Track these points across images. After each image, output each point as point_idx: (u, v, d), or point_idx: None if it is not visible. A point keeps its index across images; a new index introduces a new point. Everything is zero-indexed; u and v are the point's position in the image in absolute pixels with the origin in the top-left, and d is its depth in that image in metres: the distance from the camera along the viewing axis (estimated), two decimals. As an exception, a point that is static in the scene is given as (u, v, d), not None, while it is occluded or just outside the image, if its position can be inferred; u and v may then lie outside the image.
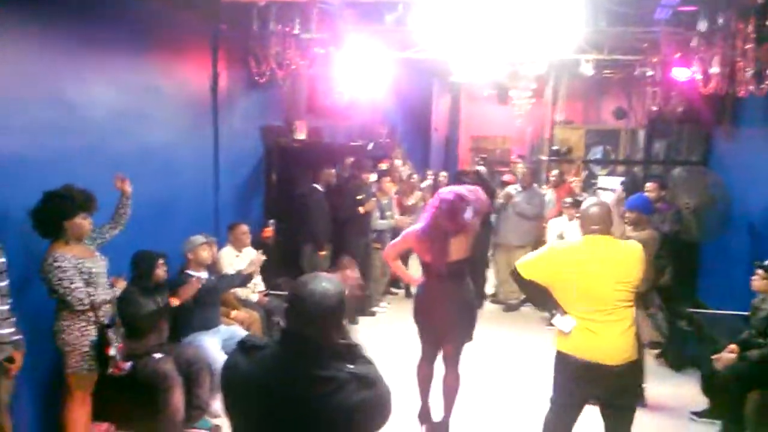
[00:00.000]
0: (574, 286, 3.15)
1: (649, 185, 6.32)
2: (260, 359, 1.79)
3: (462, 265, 4.03)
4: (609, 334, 3.12)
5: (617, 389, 3.20)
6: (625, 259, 3.17)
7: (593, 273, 3.12)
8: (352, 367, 1.77)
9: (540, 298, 3.42)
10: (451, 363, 4.19)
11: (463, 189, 4.02)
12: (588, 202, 3.45)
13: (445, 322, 4.04)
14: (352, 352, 1.81)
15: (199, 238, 4.67)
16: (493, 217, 7.42)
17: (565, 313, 3.21)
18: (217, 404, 4.33)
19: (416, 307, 4.19)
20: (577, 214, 6.34)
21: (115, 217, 3.87)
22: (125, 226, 3.93)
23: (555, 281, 3.22)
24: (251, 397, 1.79)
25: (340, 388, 1.72)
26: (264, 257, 4.96)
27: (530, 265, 3.31)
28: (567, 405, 3.31)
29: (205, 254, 4.64)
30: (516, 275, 3.35)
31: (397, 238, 4.28)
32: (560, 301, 3.23)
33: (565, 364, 3.24)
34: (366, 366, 1.81)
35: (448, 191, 3.98)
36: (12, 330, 3.16)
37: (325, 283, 1.82)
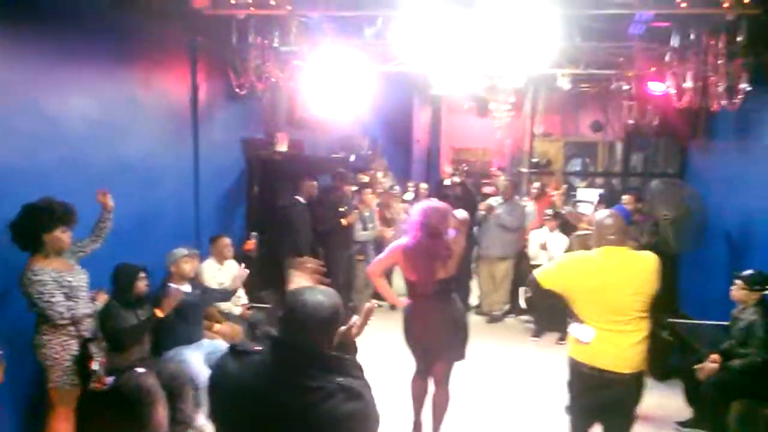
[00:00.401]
0: (593, 296, 3.18)
1: (625, 197, 6.43)
2: (250, 364, 1.81)
3: (449, 282, 3.96)
4: (625, 344, 3.18)
5: (624, 397, 3.27)
6: (642, 269, 3.22)
7: (611, 283, 3.16)
8: (340, 378, 1.78)
9: (548, 312, 3.52)
10: (441, 382, 4.15)
11: (440, 204, 3.97)
12: (602, 213, 3.46)
13: (435, 342, 3.98)
14: (342, 365, 1.83)
15: (182, 251, 4.64)
16: (475, 229, 7.48)
17: (583, 322, 3.24)
18: (201, 419, 4.29)
19: (405, 328, 4.09)
20: (560, 227, 6.43)
21: (96, 231, 3.85)
22: (106, 240, 3.91)
23: (574, 291, 3.24)
24: (238, 401, 1.80)
25: (328, 399, 1.74)
26: (247, 271, 4.94)
27: (549, 274, 3.33)
28: (583, 410, 3.39)
29: (187, 267, 4.62)
30: (534, 284, 3.33)
31: (382, 254, 4.16)
32: (578, 311, 3.25)
33: (579, 372, 3.29)
34: (354, 379, 1.83)
35: (427, 207, 3.90)
36: (-9, 345, 3.12)
37: (320, 295, 1.85)
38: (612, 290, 3.15)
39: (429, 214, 3.83)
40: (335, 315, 1.86)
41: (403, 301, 4.14)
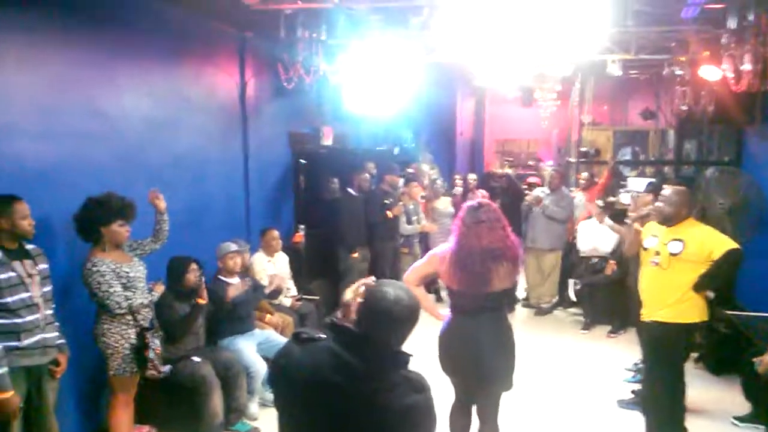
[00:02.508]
0: None
1: (666, 187, 6.25)
2: (315, 351, 1.82)
3: (502, 297, 3.34)
4: None
5: None
6: None
7: None
8: (403, 371, 1.80)
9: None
10: (488, 417, 3.46)
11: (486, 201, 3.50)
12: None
13: (479, 369, 3.28)
14: (407, 360, 1.84)
15: (229, 246, 4.71)
16: (522, 222, 7.40)
17: None
18: (255, 407, 4.39)
19: (441, 350, 3.37)
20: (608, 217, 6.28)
21: (155, 234, 3.97)
22: (166, 240, 4.01)
23: None
24: (301, 386, 1.81)
25: (393, 389, 1.75)
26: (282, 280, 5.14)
27: None
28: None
29: (231, 263, 4.68)
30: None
31: (420, 261, 3.54)
32: None
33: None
34: (415, 372, 1.84)
35: (479, 202, 3.39)
36: (56, 334, 3.25)
37: (401, 291, 1.86)
38: None
39: (483, 208, 3.28)
40: (415, 313, 1.87)
41: (444, 314, 3.45)
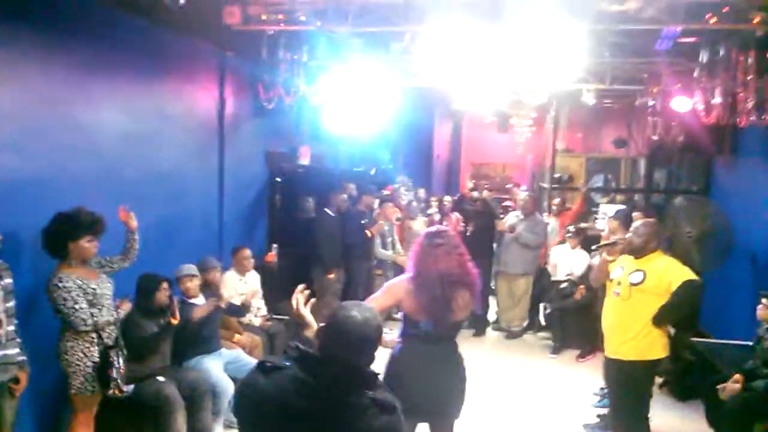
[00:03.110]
0: None
1: (636, 214, 6.37)
2: (281, 380, 1.78)
3: (459, 325, 3.26)
4: None
5: None
6: None
7: None
8: (371, 393, 1.78)
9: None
10: None
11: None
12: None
13: (433, 399, 3.10)
14: (375, 380, 1.83)
15: (185, 269, 4.56)
16: (494, 246, 7.45)
17: None
18: (219, 428, 4.31)
19: (391, 378, 3.07)
20: (581, 243, 6.37)
21: (124, 252, 3.90)
22: (135, 259, 3.94)
23: None
24: (269, 417, 1.78)
25: (363, 413, 1.73)
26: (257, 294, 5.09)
27: None
28: None
29: (187, 285, 4.54)
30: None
31: (378, 292, 3.25)
32: None
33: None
34: (384, 392, 1.82)
35: (437, 228, 3.35)
36: (18, 350, 3.17)
37: (367, 312, 1.85)
38: None
39: (441, 233, 3.24)
40: (380, 332, 1.87)
41: (393, 340, 3.25)
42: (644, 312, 3.71)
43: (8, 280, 3.13)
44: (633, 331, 3.75)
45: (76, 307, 3.39)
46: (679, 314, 4.11)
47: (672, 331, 4.42)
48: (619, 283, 3.85)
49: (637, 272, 3.78)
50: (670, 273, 3.69)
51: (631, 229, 3.94)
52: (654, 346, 3.75)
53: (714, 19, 4.24)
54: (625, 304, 3.80)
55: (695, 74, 5.42)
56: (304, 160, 7.08)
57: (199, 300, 4.57)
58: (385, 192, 8.28)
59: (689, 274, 3.66)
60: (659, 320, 3.71)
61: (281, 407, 1.76)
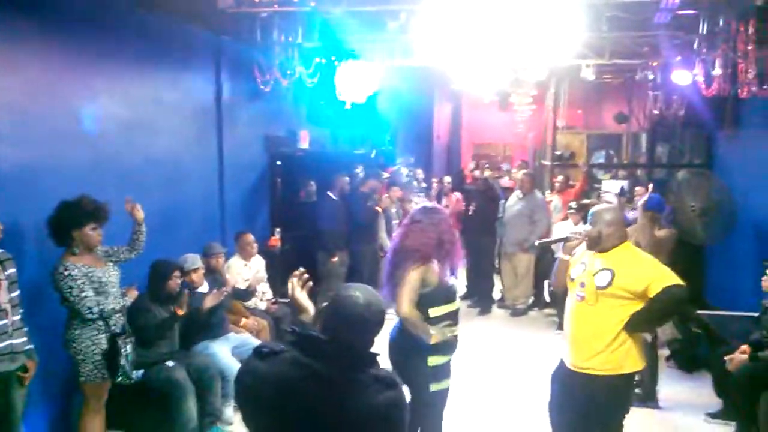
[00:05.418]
0: None
1: (637, 189, 6.37)
2: (279, 363, 1.78)
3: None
4: None
5: None
6: None
7: None
8: (372, 370, 1.79)
9: None
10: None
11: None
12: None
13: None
14: (373, 358, 1.83)
15: (192, 262, 4.53)
16: (498, 224, 7.45)
17: None
18: (229, 411, 4.35)
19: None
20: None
21: (131, 243, 3.90)
22: (142, 251, 3.94)
23: None
24: (271, 400, 1.77)
25: (364, 390, 1.74)
26: (264, 277, 5.06)
27: None
28: None
29: (193, 276, 4.51)
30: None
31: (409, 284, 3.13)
32: None
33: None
34: (384, 369, 1.83)
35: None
36: (24, 339, 3.19)
37: (370, 295, 1.86)
38: None
39: (428, 211, 3.31)
40: (384, 314, 1.87)
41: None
42: (615, 319, 3.05)
43: (12, 270, 3.14)
44: (603, 342, 3.07)
45: (83, 295, 3.40)
46: (659, 323, 3.72)
47: (649, 338, 4.13)
48: (582, 284, 3.15)
49: (603, 272, 3.08)
50: (646, 274, 3.00)
51: (590, 217, 3.24)
52: (627, 358, 3.09)
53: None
54: (591, 311, 3.10)
55: (695, 46, 5.37)
56: (304, 144, 7.05)
57: (204, 288, 4.59)
58: (385, 174, 8.27)
59: (671, 278, 2.99)
60: (633, 328, 3.06)
61: (282, 390, 1.75)
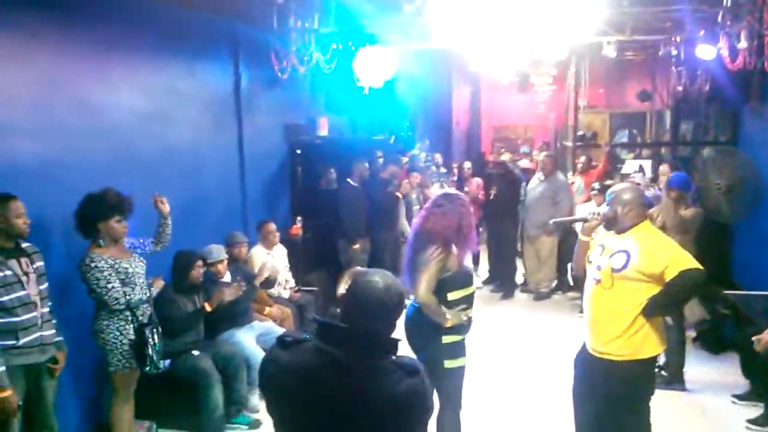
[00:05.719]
0: None
1: (662, 168, 6.27)
2: (301, 352, 1.78)
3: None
4: None
5: None
6: None
7: None
8: (393, 357, 1.78)
9: None
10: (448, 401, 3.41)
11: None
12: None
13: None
14: (395, 345, 1.82)
15: (216, 254, 4.56)
16: (519, 208, 7.39)
17: None
18: (255, 399, 4.39)
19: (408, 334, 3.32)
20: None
21: (156, 236, 3.95)
22: (167, 244, 3.98)
23: None
24: (292, 390, 1.78)
25: (386, 377, 1.72)
26: (274, 266, 5.06)
27: None
28: None
29: (218, 267, 4.54)
30: None
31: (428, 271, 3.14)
32: None
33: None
34: (406, 356, 1.82)
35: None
36: (53, 331, 3.24)
37: (389, 279, 1.84)
38: None
39: (449, 197, 3.36)
40: (403, 298, 1.86)
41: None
42: (632, 303, 2.98)
43: (40, 263, 3.19)
44: (621, 326, 3.01)
45: (109, 286, 3.45)
46: (676, 308, 3.62)
47: (669, 321, 4.01)
48: (598, 267, 3.09)
49: (619, 254, 3.01)
50: (663, 257, 2.91)
51: (608, 197, 3.17)
52: (647, 343, 3.02)
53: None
54: (608, 295, 3.03)
55: (719, 19, 5.23)
56: (323, 131, 7.04)
57: (227, 277, 4.62)
58: (404, 159, 8.24)
59: (689, 261, 2.89)
60: (650, 313, 2.97)
61: (303, 379, 1.76)
